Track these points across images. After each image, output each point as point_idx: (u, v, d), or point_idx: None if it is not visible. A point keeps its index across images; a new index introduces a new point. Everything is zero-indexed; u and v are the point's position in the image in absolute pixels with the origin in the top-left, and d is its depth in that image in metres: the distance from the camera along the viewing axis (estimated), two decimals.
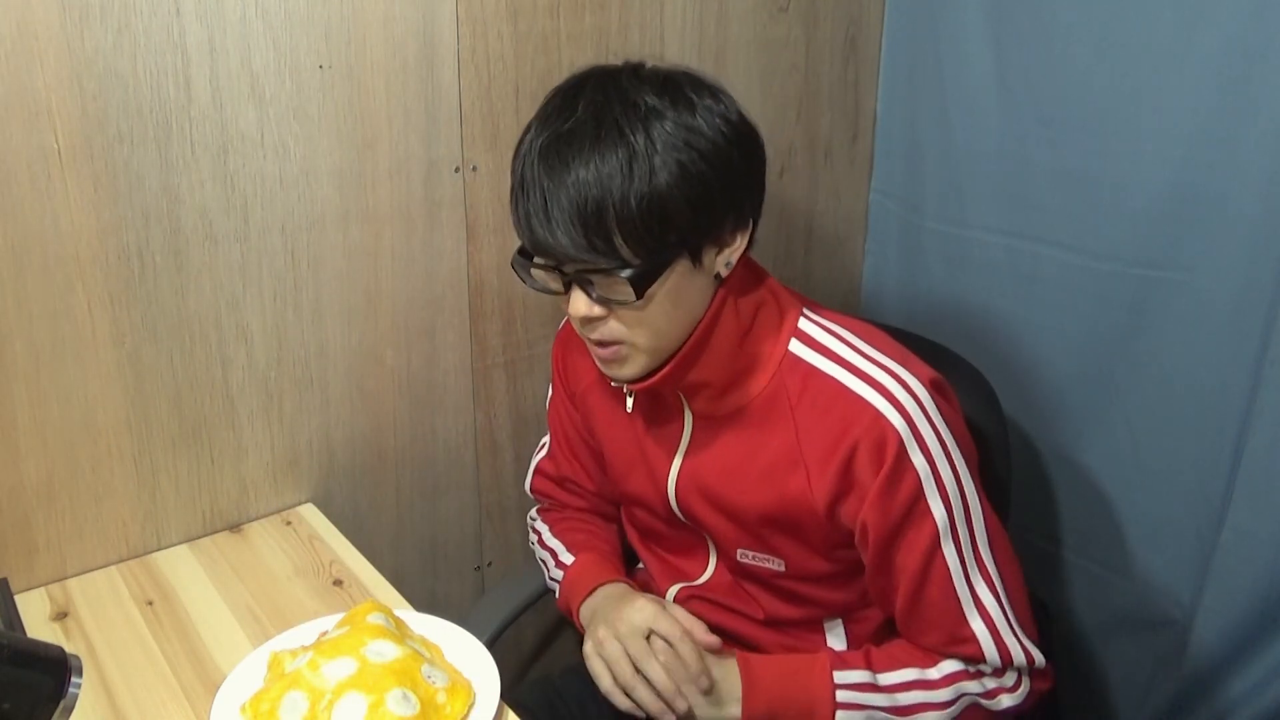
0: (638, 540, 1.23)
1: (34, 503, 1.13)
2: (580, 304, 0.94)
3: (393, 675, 0.90)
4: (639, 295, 0.91)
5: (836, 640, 1.11)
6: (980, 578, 0.99)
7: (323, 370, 1.28)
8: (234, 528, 1.27)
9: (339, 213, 1.23)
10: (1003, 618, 0.99)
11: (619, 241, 0.89)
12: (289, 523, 1.28)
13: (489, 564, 1.49)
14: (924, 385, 0.97)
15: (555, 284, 0.96)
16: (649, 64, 0.96)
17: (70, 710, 0.70)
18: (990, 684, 1.01)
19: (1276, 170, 1.23)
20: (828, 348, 1.00)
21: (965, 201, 1.58)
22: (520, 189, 0.93)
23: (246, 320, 1.20)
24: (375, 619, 0.98)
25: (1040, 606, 1.61)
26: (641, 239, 0.89)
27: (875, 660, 1.01)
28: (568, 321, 1.19)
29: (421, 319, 1.33)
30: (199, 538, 1.25)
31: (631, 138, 0.88)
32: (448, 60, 1.25)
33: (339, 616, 1.01)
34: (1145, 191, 1.35)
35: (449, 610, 1.08)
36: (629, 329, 0.95)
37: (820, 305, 1.06)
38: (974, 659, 1.00)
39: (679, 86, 0.93)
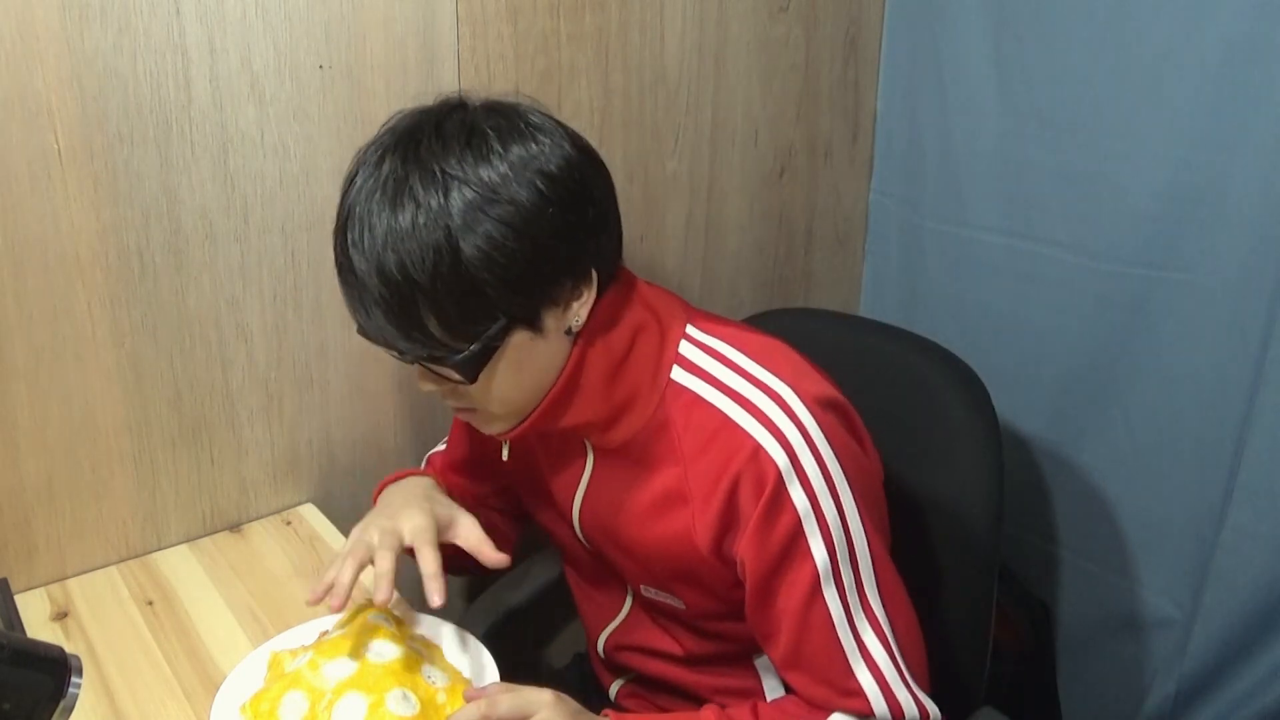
0: (569, 573, 1.19)
1: (34, 503, 1.13)
2: (423, 381, 0.91)
3: (393, 675, 0.90)
4: (472, 380, 0.86)
5: (772, 677, 1.06)
6: (867, 624, 0.92)
7: (323, 370, 1.28)
8: (234, 528, 1.27)
9: None
10: (892, 668, 0.92)
11: (438, 333, 0.84)
12: (289, 523, 1.28)
13: None
14: (810, 407, 0.90)
15: (393, 355, 0.90)
16: (471, 102, 0.89)
17: (70, 710, 0.70)
18: None
19: (1276, 170, 1.23)
20: (709, 373, 0.93)
21: (965, 201, 1.58)
22: (338, 266, 0.87)
23: (246, 320, 1.20)
24: (375, 619, 0.98)
25: (1040, 606, 1.62)
26: (459, 326, 0.84)
27: (762, 713, 0.95)
28: None
29: None
30: (199, 538, 1.25)
31: (430, 215, 0.81)
32: (448, 60, 1.25)
33: (339, 616, 1.01)
34: (1145, 191, 1.35)
35: (449, 610, 1.08)
36: (479, 396, 0.90)
37: (708, 315, 0.99)
38: (863, 714, 0.93)
39: (483, 137, 0.84)
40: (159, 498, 1.21)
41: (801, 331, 1.30)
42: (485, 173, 0.82)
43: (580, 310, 0.89)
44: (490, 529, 1.03)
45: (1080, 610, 1.59)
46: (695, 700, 1.09)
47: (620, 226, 0.93)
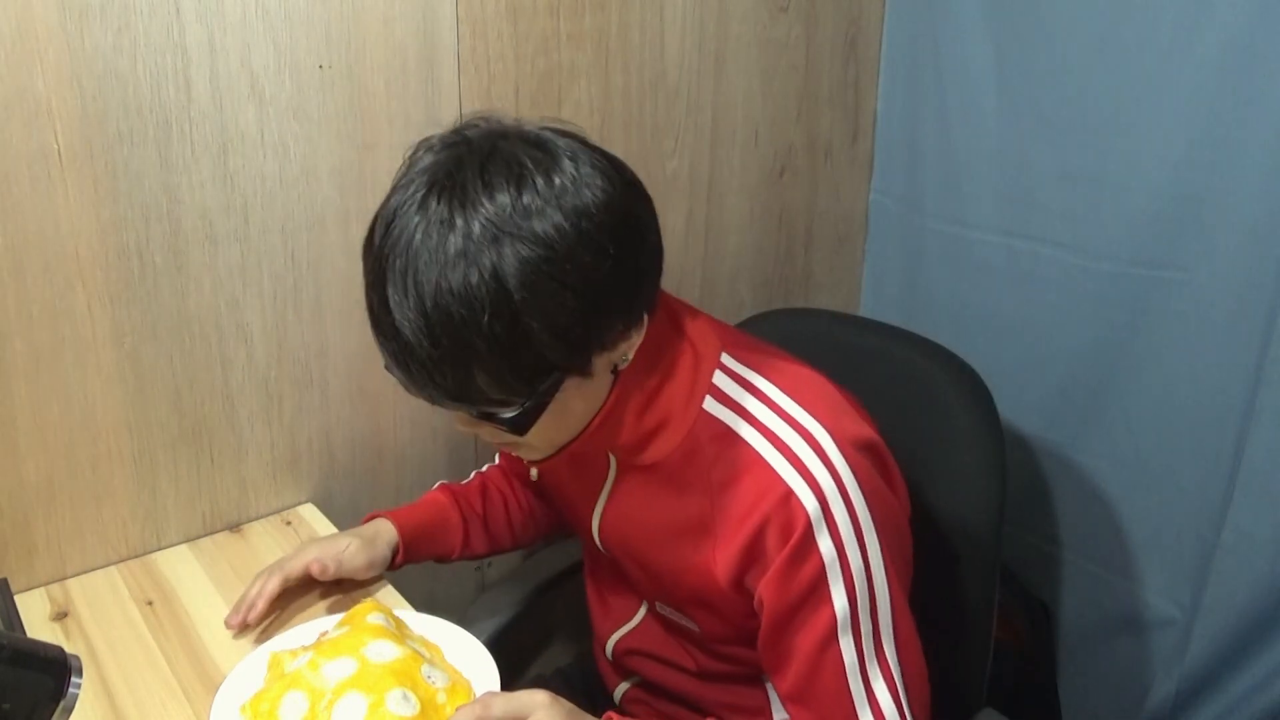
0: (587, 571, 1.20)
1: (34, 503, 1.12)
2: (461, 423, 0.88)
3: (393, 675, 0.90)
4: (522, 434, 0.85)
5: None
6: (879, 673, 0.90)
7: (323, 370, 1.27)
8: (234, 528, 1.27)
9: (339, 213, 1.22)
10: (895, 715, 0.91)
11: (491, 391, 0.81)
12: (289, 523, 1.28)
13: (489, 564, 1.49)
14: (845, 451, 0.89)
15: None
16: (510, 132, 0.83)
17: (70, 710, 0.70)
18: None
19: (1276, 170, 1.23)
20: (743, 407, 0.91)
21: (965, 201, 1.58)
22: (373, 322, 0.82)
23: (246, 320, 1.20)
24: (375, 619, 0.98)
25: (1040, 606, 1.62)
26: (513, 384, 0.81)
27: None
28: None
29: None
30: (199, 538, 1.25)
31: (485, 272, 0.76)
32: (448, 60, 1.25)
33: (339, 616, 1.01)
34: (1145, 191, 1.35)
35: (449, 610, 1.08)
36: (521, 439, 0.88)
37: (743, 342, 0.97)
38: None
39: (531, 179, 0.79)
40: (159, 498, 1.21)
41: (801, 331, 1.30)
42: (540, 227, 0.77)
43: (628, 350, 0.87)
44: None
45: (1080, 610, 1.59)
46: (702, 712, 1.09)
47: (660, 267, 0.90)
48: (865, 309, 1.81)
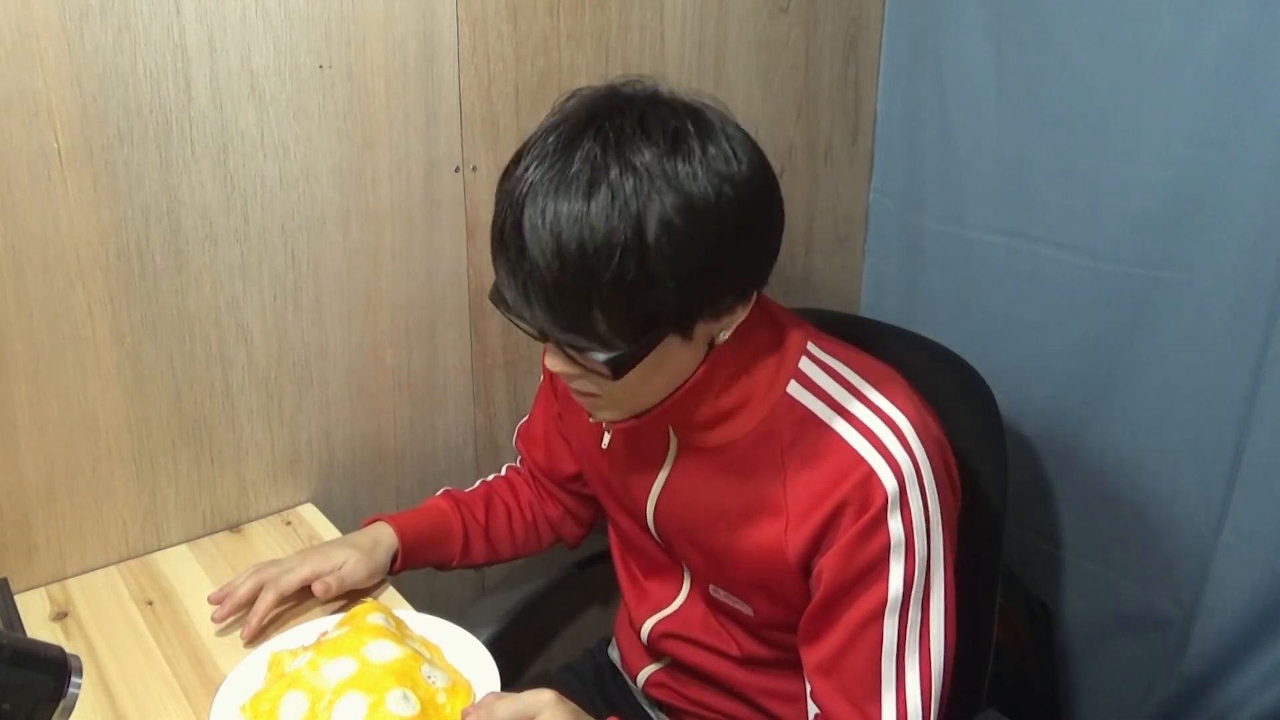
0: (619, 556, 1.20)
1: (34, 503, 1.12)
2: (556, 362, 0.89)
3: (393, 675, 0.90)
4: (616, 378, 0.85)
5: None
6: (916, 663, 0.91)
7: (323, 370, 1.28)
8: (234, 528, 1.27)
9: (339, 213, 1.22)
10: (919, 711, 0.91)
11: (601, 328, 0.82)
12: (289, 523, 1.28)
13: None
14: (926, 445, 0.91)
15: (532, 334, 0.89)
16: (663, 94, 0.86)
17: (70, 710, 0.70)
18: None
19: (1276, 170, 1.23)
20: (828, 393, 0.93)
21: (965, 201, 1.58)
22: (499, 240, 0.84)
23: (246, 320, 1.20)
24: (375, 619, 0.98)
25: (1040, 606, 1.62)
26: (624, 326, 0.82)
27: None
28: None
29: (421, 319, 1.33)
30: (199, 538, 1.25)
31: (627, 210, 0.79)
32: (448, 60, 1.25)
33: (339, 616, 1.01)
34: (1145, 191, 1.35)
35: (449, 610, 1.08)
36: (610, 389, 0.89)
37: (828, 337, 1.00)
38: None
39: (686, 141, 0.82)
40: (159, 497, 1.21)
41: None
42: (687, 181, 0.80)
43: (730, 325, 0.89)
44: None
45: (1080, 610, 1.59)
46: (734, 695, 1.10)
47: (777, 253, 0.92)
48: (865, 309, 1.81)
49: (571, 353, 0.87)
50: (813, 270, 1.74)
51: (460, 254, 1.33)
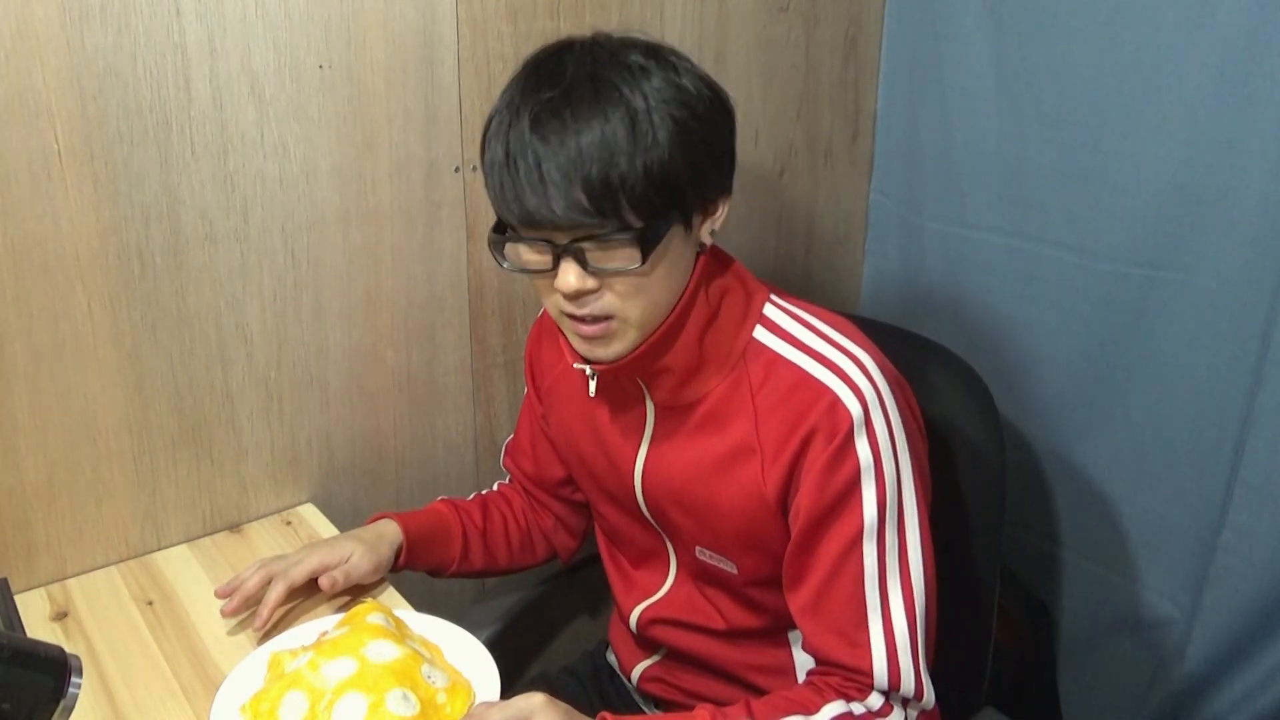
0: (606, 548, 1.21)
1: (34, 503, 1.13)
2: (572, 277, 0.89)
3: (393, 675, 0.90)
4: (644, 259, 0.88)
5: (802, 653, 1.06)
6: (898, 587, 0.93)
7: (323, 370, 1.28)
8: (234, 528, 1.27)
9: (339, 213, 1.23)
10: (906, 636, 0.93)
11: (624, 206, 0.86)
12: (289, 523, 1.28)
13: None
14: (886, 375, 0.96)
15: (542, 258, 0.91)
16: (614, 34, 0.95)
17: (70, 710, 0.70)
18: None
19: (1276, 170, 1.23)
20: (792, 334, 0.98)
21: (965, 201, 1.58)
22: (506, 162, 0.89)
23: (246, 320, 1.20)
24: (375, 619, 0.98)
25: (1040, 606, 1.62)
26: (647, 202, 0.87)
27: (756, 711, 0.94)
28: (540, 318, 1.18)
29: (421, 319, 1.33)
30: (199, 538, 1.25)
31: (630, 98, 0.86)
32: (448, 60, 1.25)
33: (339, 616, 1.01)
34: (1145, 191, 1.35)
35: (449, 611, 1.08)
36: (623, 301, 0.92)
37: (790, 294, 1.04)
38: (860, 674, 0.93)
39: (657, 49, 0.92)
40: (159, 498, 1.21)
41: None
42: (666, 69, 0.90)
43: (715, 224, 0.97)
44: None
45: (1080, 610, 1.59)
46: (724, 676, 1.11)
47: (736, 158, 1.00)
48: (865, 309, 1.81)
49: (590, 248, 0.89)
50: (813, 270, 1.74)
51: (460, 254, 1.33)
